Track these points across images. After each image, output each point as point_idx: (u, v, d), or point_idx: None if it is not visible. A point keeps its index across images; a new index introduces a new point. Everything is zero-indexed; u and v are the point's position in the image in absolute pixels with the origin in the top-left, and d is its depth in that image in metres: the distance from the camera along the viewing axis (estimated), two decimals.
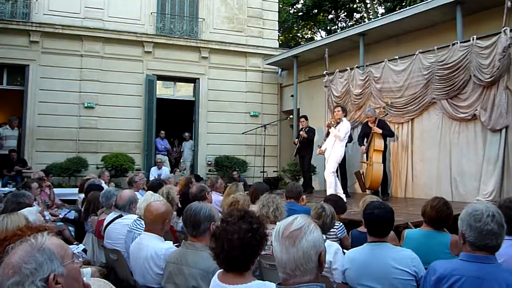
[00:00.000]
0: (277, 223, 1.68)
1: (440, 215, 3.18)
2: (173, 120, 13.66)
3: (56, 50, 11.28)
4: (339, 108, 7.29)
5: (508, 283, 1.90)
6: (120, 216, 3.88)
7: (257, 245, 1.97)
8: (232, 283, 1.92)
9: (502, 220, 2.02)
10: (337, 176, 8.20)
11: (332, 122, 7.18)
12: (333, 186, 6.91)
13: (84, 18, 11.60)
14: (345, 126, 7.06)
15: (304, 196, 4.80)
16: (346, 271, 2.71)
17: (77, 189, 7.57)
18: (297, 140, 9.50)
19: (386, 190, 7.89)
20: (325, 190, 7.69)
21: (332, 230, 3.91)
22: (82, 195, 6.26)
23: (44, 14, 11.21)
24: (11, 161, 9.91)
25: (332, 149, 7.11)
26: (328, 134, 7.43)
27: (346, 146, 8.41)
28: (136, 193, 5.05)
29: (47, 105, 11.08)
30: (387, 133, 7.80)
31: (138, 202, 3.91)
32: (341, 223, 4.10)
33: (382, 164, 7.64)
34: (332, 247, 3.01)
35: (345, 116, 7.30)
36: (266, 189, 4.89)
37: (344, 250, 3.27)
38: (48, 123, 11.09)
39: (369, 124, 7.89)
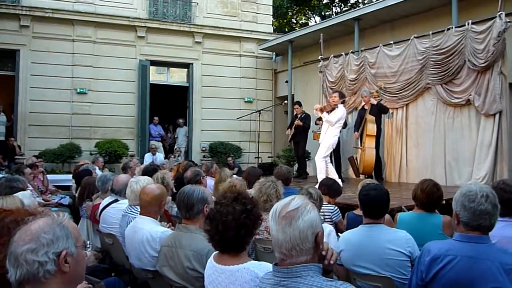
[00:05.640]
0: (274, 204, 1.67)
1: (431, 197, 3.20)
2: (167, 106, 13.57)
3: (47, 35, 11.11)
4: (337, 94, 6.98)
5: (501, 261, 1.93)
6: (116, 200, 3.87)
7: (251, 225, 1.98)
8: (228, 264, 1.94)
9: (496, 200, 2.04)
10: (332, 162, 8.22)
11: (326, 107, 7.05)
12: (323, 171, 6.85)
13: (75, 2, 11.40)
14: (339, 112, 6.84)
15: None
16: (342, 252, 2.72)
17: (71, 175, 7.55)
18: (289, 130, 9.39)
19: (380, 175, 7.93)
20: None
21: (327, 213, 3.94)
22: None
23: None
24: (6, 148, 9.90)
25: (325, 134, 7.04)
26: (320, 118, 7.37)
27: (340, 132, 8.44)
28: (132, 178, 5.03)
29: (39, 90, 10.96)
30: (383, 109, 7.79)
31: (126, 190, 3.74)
32: (336, 207, 4.11)
33: (375, 149, 7.67)
34: (325, 229, 3.01)
35: (342, 102, 7.04)
36: (260, 173, 4.89)
37: (339, 234, 3.28)
38: (40, 109, 10.98)
39: (365, 106, 7.89)
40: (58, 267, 1.35)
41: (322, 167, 6.86)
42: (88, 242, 3.81)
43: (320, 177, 6.62)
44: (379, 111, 7.77)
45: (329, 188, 4.23)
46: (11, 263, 1.33)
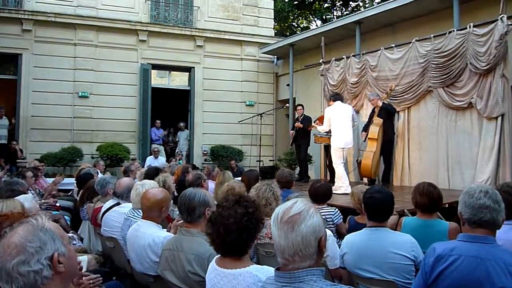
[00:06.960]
0: (276, 208, 1.65)
1: (431, 197, 3.18)
2: (169, 109, 13.59)
3: (49, 39, 11.15)
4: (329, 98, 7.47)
5: (506, 262, 1.91)
6: (118, 204, 3.85)
7: (253, 229, 1.96)
8: (230, 268, 1.92)
9: (498, 197, 2.06)
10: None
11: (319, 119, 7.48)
12: (340, 176, 6.87)
13: (77, 6, 11.45)
14: (324, 115, 7.14)
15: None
16: (345, 255, 2.69)
17: (73, 178, 7.53)
18: (292, 131, 9.45)
19: (387, 179, 7.89)
20: (321, 179, 7.75)
21: (328, 216, 3.91)
22: None
23: (36, 2, 11.06)
24: (8, 151, 9.92)
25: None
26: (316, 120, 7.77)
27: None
28: (138, 182, 5.02)
29: (40, 94, 10.98)
30: (390, 109, 7.78)
31: (131, 193, 3.77)
32: (337, 209, 4.08)
33: (373, 153, 7.62)
34: None
35: (335, 100, 7.17)
36: (257, 175, 4.91)
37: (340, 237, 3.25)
38: (42, 112, 11.00)
39: (375, 109, 7.88)
40: (54, 270, 1.35)
41: (340, 173, 6.86)
42: (72, 235, 3.82)
43: (338, 184, 6.73)
44: (387, 113, 7.73)
45: (315, 193, 4.05)
46: (3, 279, 1.30)
